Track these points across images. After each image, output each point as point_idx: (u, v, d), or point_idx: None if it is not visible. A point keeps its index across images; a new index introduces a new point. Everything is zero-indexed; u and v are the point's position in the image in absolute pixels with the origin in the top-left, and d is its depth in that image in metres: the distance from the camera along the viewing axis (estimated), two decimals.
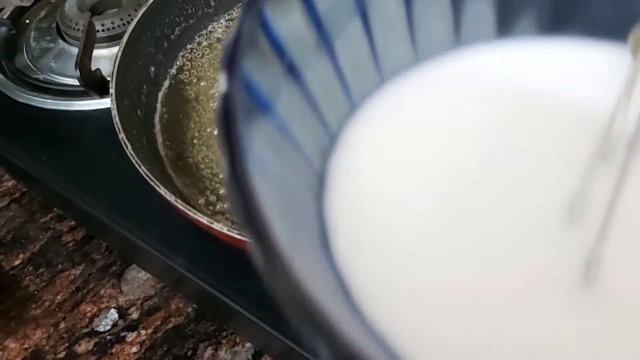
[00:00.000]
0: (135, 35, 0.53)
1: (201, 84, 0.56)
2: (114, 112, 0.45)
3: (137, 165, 0.41)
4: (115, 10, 0.70)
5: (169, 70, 0.57)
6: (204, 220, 0.38)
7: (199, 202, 0.47)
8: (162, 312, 0.55)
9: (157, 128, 0.52)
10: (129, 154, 0.42)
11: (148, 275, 0.58)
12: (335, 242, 0.21)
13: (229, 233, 0.37)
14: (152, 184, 0.40)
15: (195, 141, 0.51)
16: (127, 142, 0.43)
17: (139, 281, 0.58)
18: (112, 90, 0.46)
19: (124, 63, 0.50)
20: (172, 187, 0.46)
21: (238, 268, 0.49)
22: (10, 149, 0.61)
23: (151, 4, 0.55)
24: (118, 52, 0.50)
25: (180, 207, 0.39)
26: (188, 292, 0.55)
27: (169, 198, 0.39)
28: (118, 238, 0.55)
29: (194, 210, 0.38)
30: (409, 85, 0.26)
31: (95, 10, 0.70)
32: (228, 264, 0.49)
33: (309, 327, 0.15)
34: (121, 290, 0.57)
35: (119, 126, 0.44)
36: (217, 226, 0.37)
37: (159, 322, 0.55)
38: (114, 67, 0.49)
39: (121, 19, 0.66)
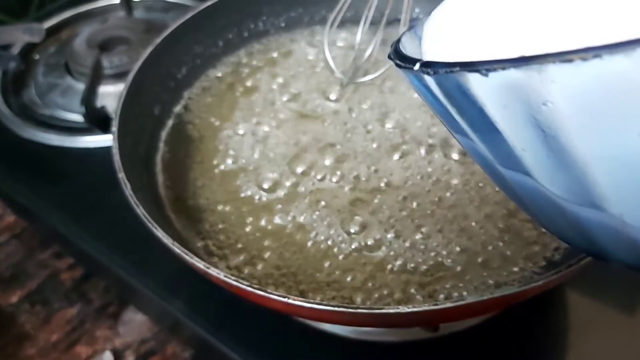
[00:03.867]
0: (141, 73, 0.52)
1: (205, 124, 0.55)
2: (115, 150, 0.44)
3: (135, 206, 0.40)
4: (124, 47, 0.70)
5: (174, 108, 0.57)
6: (200, 265, 0.37)
7: (198, 245, 0.46)
8: (159, 357, 0.54)
9: (159, 167, 0.51)
10: (127, 194, 0.41)
11: (145, 317, 0.56)
12: None
13: (225, 279, 0.36)
14: (150, 225, 0.39)
15: (197, 182, 0.50)
16: (126, 182, 0.42)
17: (135, 323, 0.56)
18: (114, 129, 0.46)
19: (129, 101, 0.49)
20: (171, 229, 0.45)
21: (236, 314, 0.48)
22: (13, 184, 0.61)
23: (159, 43, 0.55)
24: (123, 90, 0.50)
25: (177, 250, 0.38)
26: (184, 337, 0.53)
27: (165, 241, 0.38)
28: (115, 278, 0.54)
29: (190, 254, 0.37)
30: None
31: (104, 47, 0.70)
32: (226, 309, 0.48)
33: None
34: (117, 331, 0.56)
35: (119, 165, 0.43)
36: (213, 272, 0.36)
37: None
38: (117, 105, 0.48)
39: (129, 57, 0.67)
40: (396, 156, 0.50)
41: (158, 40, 0.55)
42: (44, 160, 0.63)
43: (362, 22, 0.55)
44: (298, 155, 0.51)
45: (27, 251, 0.64)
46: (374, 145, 0.51)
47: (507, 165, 0.24)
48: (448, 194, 0.47)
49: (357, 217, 0.46)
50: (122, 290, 0.57)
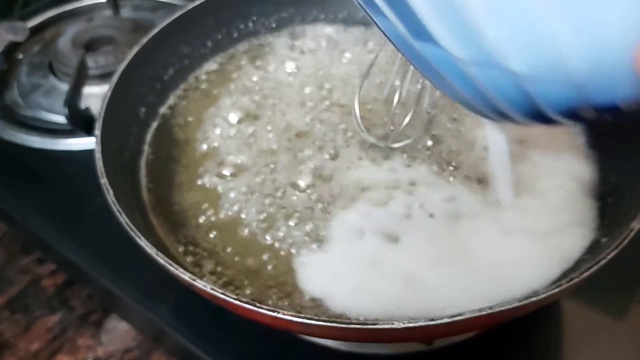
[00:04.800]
0: (127, 74, 0.51)
1: (191, 126, 0.54)
2: (98, 155, 0.42)
3: (118, 214, 0.39)
4: (110, 47, 0.68)
5: (160, 110, 0.55)
6: (186, 277, 0.35)
7: (179, 250, 0.44)
8: None
9: (143, 171, 0.50)
10: (110, 201, 0.39)
11: (129, 325, 0.55)
12: None
13: (212, 292, 0.34)
14: (133, 234, 0.37)
15: (181, 187, 0.49)
16: (109, 188, 0.40)
17: (119, 331, 0.55)
18: (97, 132, 0.44)
19: (113, 103, 0.48)
20: (154, 236, 0.43)
21: (222, 324, 0.46)
22: None
23: (145, 43, 0.53)
24: (107, 91, 0.48)
25: (161, 261, 0.36)
26: (169, 347, 0.52)
27: (149, 251, 0.37)
28: (98, 286, 0.52)
29: (175, 265, 0.36)
30: None
31: (89, 47, 0.68)
32: (211, 319, 0.47)
33: None
34: (100, 340, 0.54)
35: (102, 170, 0.41)
36: (199, 284, 0.35)
37: None
38: (101, 107, 0.46)
39: (115, 57, 0.65)
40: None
41: (145, 40, 0.54)
42: (26, 163, 0.61)
43: (396, 97, 0.49)
44: (287, 156, 0.50)
45: (8, 256, 0.62)
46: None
47: (419, 36, 0.27)
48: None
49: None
50: (105, 298, 0.56)
